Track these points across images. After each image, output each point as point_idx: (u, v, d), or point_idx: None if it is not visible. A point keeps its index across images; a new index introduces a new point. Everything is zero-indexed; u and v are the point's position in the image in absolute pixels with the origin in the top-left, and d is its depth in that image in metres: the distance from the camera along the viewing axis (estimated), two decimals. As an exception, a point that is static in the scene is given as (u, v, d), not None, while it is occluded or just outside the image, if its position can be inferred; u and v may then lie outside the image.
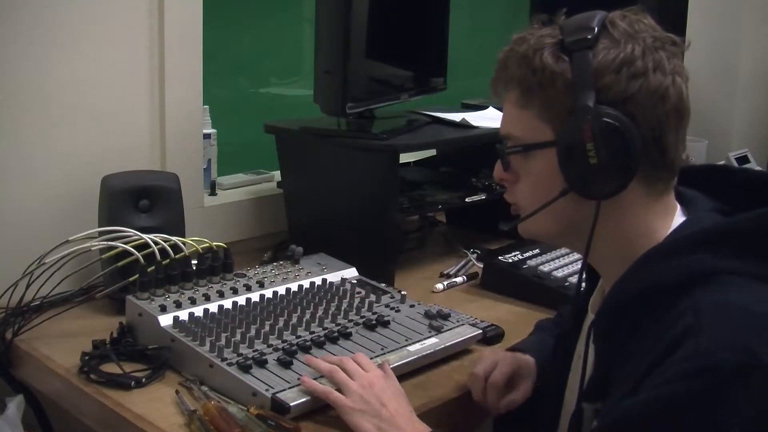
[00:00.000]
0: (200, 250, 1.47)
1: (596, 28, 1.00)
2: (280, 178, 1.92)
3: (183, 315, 1.33)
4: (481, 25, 2.79)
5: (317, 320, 1.38)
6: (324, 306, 1.44)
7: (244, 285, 1.46)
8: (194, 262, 1.46)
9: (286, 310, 1.40)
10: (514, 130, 1.07)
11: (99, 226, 1.51)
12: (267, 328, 1.33)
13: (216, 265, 1.47)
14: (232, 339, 1.28)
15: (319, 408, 1.20)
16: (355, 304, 1.46)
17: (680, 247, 0.98)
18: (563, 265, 1.76)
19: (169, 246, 1.44)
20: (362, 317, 1.42)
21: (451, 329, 1.43)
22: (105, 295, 1.47)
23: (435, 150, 2.20)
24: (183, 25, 1.73)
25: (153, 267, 1.40)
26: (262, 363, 1.23)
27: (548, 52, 1.01)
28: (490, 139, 1.55)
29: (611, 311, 1.03)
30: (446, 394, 1.31)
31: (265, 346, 1.29)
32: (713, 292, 0.93)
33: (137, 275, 1.40)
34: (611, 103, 0.98)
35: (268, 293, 1.44)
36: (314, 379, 1.21)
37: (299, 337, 1.33)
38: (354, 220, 1.77)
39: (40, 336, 1.41)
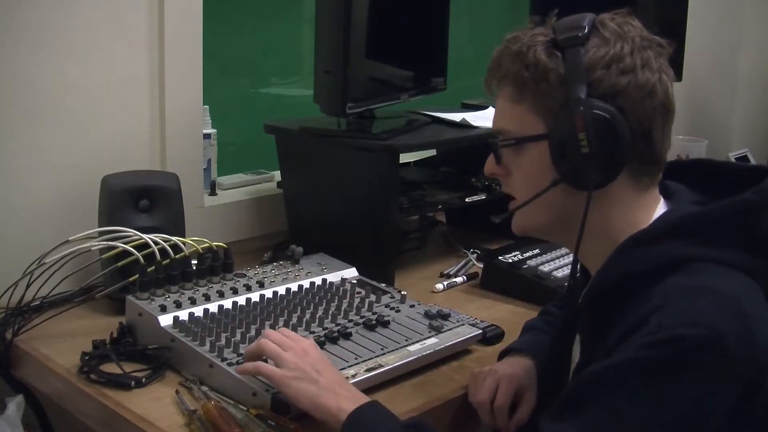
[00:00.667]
0: (200, 250, 1.47)
1: (587, 27, 1.06)
2: (280, 178, 1.92)
3: (183, 315, 1.33)
4: (481, 25, 2.78)
5: (317, 320, 1.38)
6: (324, 306, 1.44)
7: (244, 285, 1.46)
8: (194, 262, 1.46)
9: (286, 310, 1.40)
10: (507, 124, 1.12)
11: (99, 226, 1.51)
12: (267, 328, 1.33)
13: (216, 265, 1.47)
14: (232, 339, 1.28)
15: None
16: (355, 304, 1.46)
17: (655, 236, 1.03)
18: (563, 265, 1.76)
19: (169, 246, 1.44)
20: (362, 317, 1.42)
21: (451, 329, 1.43)
22: (105, 295, 1.47)
23: (435, 150, 2.20)
24: (183, 25, 1.73)
25: (153, 267, 1.40)
26: (262, 363, 1.23)
27: (541, 49, 1.06)
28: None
29: (592, 300, 1.08)
30: (446, 394, 1.31)
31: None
32: (683, 277, 0.99)
33: (137, 275, 1.40)
34: (602, 96, 1.03)
35: (268, 293, 1.44)
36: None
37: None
38: (354, 220, 1.77)
39: (40, 336, 1.41)
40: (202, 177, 1.85)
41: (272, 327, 1.33)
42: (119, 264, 1.44)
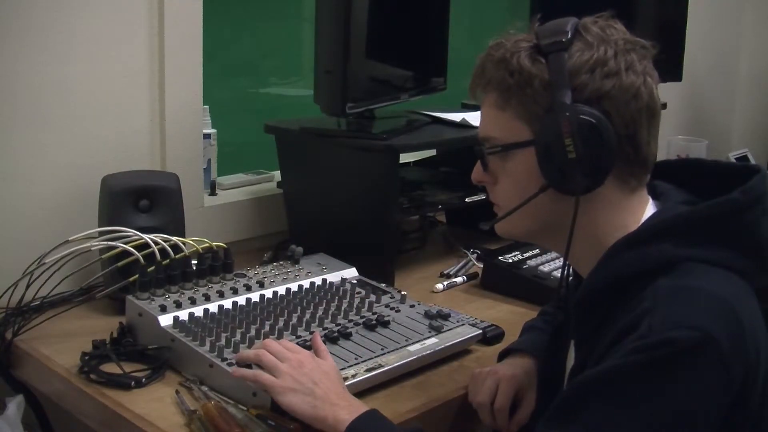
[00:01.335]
0: (200, 250, 1.47)
1: (570, 32, 1.06)
2: (280, 178, 1.92)
3: (183, 315, 1.33)
4: (481, 25, 2.78)
5: (317, 320, 1.38)
6: (324, 306, 1.44)
7: (244, 285, 1.46)
8: (194, 262, 1.46)
9: (286, 310, 1.40)
10: (492, 131, 1.11)
11: (99, 226, 1.51)
12: (267, 328, 1.33)
13: (216, 265, 1.47)
14: (232, 339, 1.28)
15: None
16: (355, 304, 1.46)
17: (643, 238, 1.04)
18: (562, 266, 1.75)
19: (169, 246, 1.44)
20: (362, 317, 1.42)
21: (451, 329, 1.43)
22: (105, 295, 1.47)
23: (435, 150, 2.20)
24: (183, 25, 1.73)
25: (153, 267, 1.40)
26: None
27: (525, 55, 1.06)
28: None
29: (584, 303, 1.08)
30: (446, 394, 1.31)
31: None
32: (673, 278, 0.99)
33: (137, 275, 1.40)
34: (587, 101, 1.03)
35: (268, 293, 1.44)
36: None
37: (299, 337, 1.33)
38: (354, 220, 1.77)
39: (40, 336, 1.41)
40: (202, 177, 1.85)
41: (272, 327, 1.33)
42: (119, 264, 1.44)
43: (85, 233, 1.46)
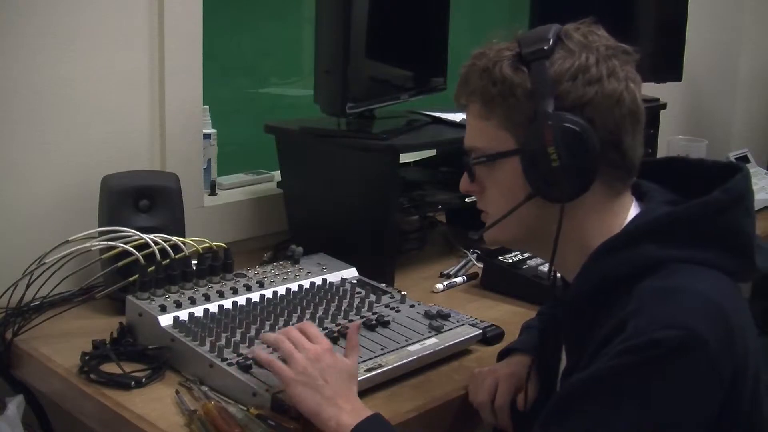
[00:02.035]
0: (200, 250, 1.47)
1: (551, 40, 1.06)
2: (280, 178, 1.92)
3: (183, 315, 1.33)
4: (481, 25, 2.78)
5: (317, 320, 1.38)
6: (324, 306, 1.44)
7: (244, 285, 1.46)
8: (194, 262, 1.46)
9: (286, 310, 1.40)
10: (477, 141, 1.12)
11: (99, 226, 1.51)
12: (267, 328, 1.33)
13: (216, 265, 1.47)
14: (232, 339, 1.28)
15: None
16: (355, 304, 1.46)
17: (627, 241, 1.04)
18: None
19: (169, 246, 1.44)
20: (362, 317, 1.42)
21: (451, 329, 1.43)
22: (105, 295, 1.47)
23: (435, 150, 2.20)
24: (183, 25, 1.73)
25: (153, 267, 1.40)
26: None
27: (507, 64, 1.07)
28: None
29: (571, 309, 1.10)
30: (446, 394, 1.31)
31: (265, 346, 1.29)
32: (658, 279, 1.00)
33: (137, 275, 1.40)
34: (570, 108, 1.04)
35: (268, 293, 1.44)
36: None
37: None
38: (354, 220, 1.77)
39: (40, 336, 1.41)
40: (202, 177, 1.85)
41: (272, 327, 1.34)
42: (119, 264, 1.44)
43: (85, 233, 1.46)
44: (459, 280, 1.78)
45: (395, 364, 1.30)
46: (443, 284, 1.74)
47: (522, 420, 1.26)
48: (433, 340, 1.39)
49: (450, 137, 1.89)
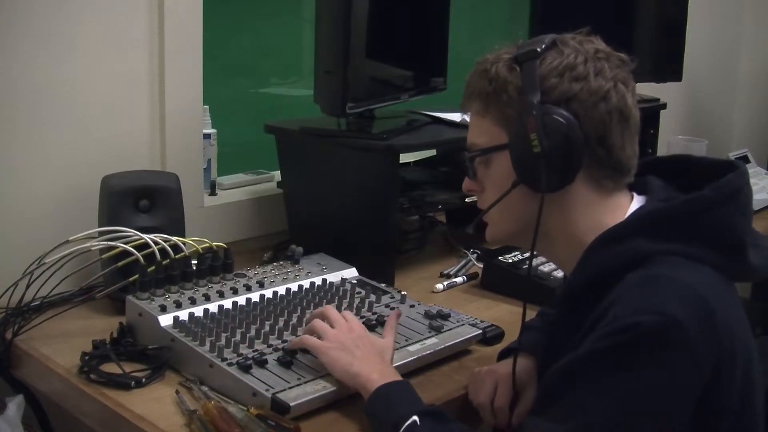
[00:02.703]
0: (200, 250, 1.47)
1: (546, 44, 1.12)
2: (280, 178, 1.92)
3: (183, 315, 1.33)
4: (481, 25, 2.78)
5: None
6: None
7: (244, 285, 1.46)
8: (194, 262, 1.46)
9: (286, 310, 1.40)
10: (476, 138, 1.18)
11: (99, 226, 1.51)
12: (267, 328, 1.33)
13: (216, 265, 1.47)
14: (232, 339, 1.28)
15: (319, 408, 1.20)
16: (355, 304, 1.46)
17: (619, 235, 1.07)
18: (563, 265, 1.76)
19: (169, 246, 1.44)
20: (362, 317, 1.42)
21: (451, 329, 1.43)
22: (105, 295, 1.47)
23: (435, 150, 2.20)
24: (183, 25, 1.73)
25: (153, 267, 1.40)
26: (262, 363, 1.23)
27: (502, 64, 1.14)
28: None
29: (566, 303, 1.14)
30: (446, 394, 1.31)
31: (265, 346, 1.29)
32: (644, 269, 1.03)
33: (137, 275, 1.40)
34: (555, 102, 1.09)
35: (268, 293, 1.44)
36: None
37: (299, 337, 1.32)
38: (354, 220, 1.77)
39: (40, 336, 1.41)
40: (202, 177, 1.85)
41: (272, 327, 1.33)
42: (119, 264, 1.44)
43: (85, 233, 1.46)
44: (459, 280, 1.78)
45: (395, 364, 1.29)
46: (443, 284, 1.74)
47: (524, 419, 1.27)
48: (433, 340, 1.39)
49: (450, 137, 1.89)
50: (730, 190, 1.07)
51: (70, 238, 1.44)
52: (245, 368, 1.22)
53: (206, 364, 1.24)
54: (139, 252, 1.43)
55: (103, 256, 1.47)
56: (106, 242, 1.44)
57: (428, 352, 1.36)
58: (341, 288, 1.52)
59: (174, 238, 1.45)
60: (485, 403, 1.27)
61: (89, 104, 1.64)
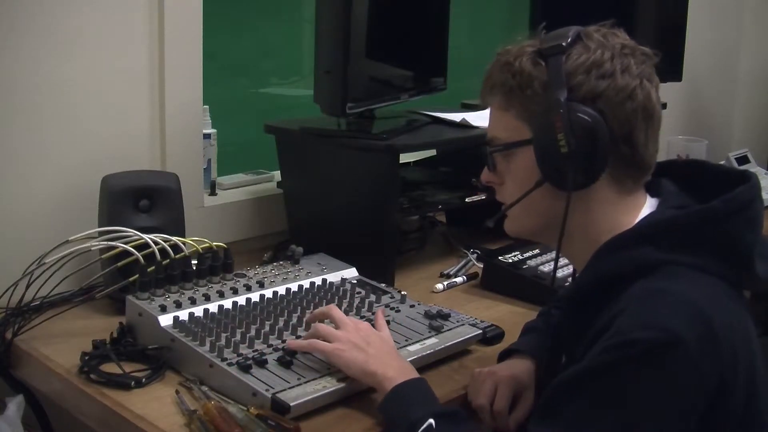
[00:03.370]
0: (200, 250, 1.47)
1: (571, 38, 1.09)
2: (280, 178, 1.92)
3: (183, 315, 1.33)
4: (481, 25, 2.78)
5: (317, 320, 1.38)
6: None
7: (244, 285, 1.46)
8: (194, 262, 1.46)
9: (286, 310, 1.40)
10: (497, 132, 1.16)
11: (99, 226, 1.51)
12: (267, 328, 1.33)
13: (216, 265, 1.47)
14: (232, 339, 1.28)
15: (319, 408, 1.20)
16: (355, 304, 1.46)
17: (628, 242, 1.07)
18: (563, 265, 1.75)
19: (169, 246, 1.44)
20: (362, 317, 1.42)
21: (451, 329, 1.43)
22: (105, 295, 1.47)
23: (435, 150, 2.20)
24: (183, 25, 1.73)
25: (153, 267, 1.40)
26: (262, 363, 1.23)
27: (527, 58, 1.11)
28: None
29: (571, 303, 1.13)
30: (446, 394, 1.31)
31: (265, 346, 1.29)
32: (650, 281, 1.01)
33: (137, 275, 1.40)
34: (582, 100, 1.07)
35: (268, 293, 1.44)
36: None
37: (299, 337, 1.33)
38: (354, 220, 1.77)
39: (40, 336, 1.41)
40: (202, 177, 1.85)
41: (272, 327, 1.33)
42: (119, 264, 1.44)
43: (85, 233, 1.46)
44: (459, 280, 1.78)
45: (395, 364, 1.30)
46: (443, 284, 1.74)
47: (522, 423, 1.27)
48: (433, 340, 1.39)
49: (450, 137, 1.90)
50: (740, 202, 1.06)
51: (70, 238, 1.44)
52: (245, 368, 1.21)
53: (206, 364, 1.24)
54: (139, 252, 1.43)
55: (103, 256, 1.47)
56: (106, 242, 1.44)
57: (428, 352, 1.36)
58: (341, 288, 1.52)
59: (174, 238, 1.45)
60: (484, 405, 1.27)
61: (89, 104, 1.64)
